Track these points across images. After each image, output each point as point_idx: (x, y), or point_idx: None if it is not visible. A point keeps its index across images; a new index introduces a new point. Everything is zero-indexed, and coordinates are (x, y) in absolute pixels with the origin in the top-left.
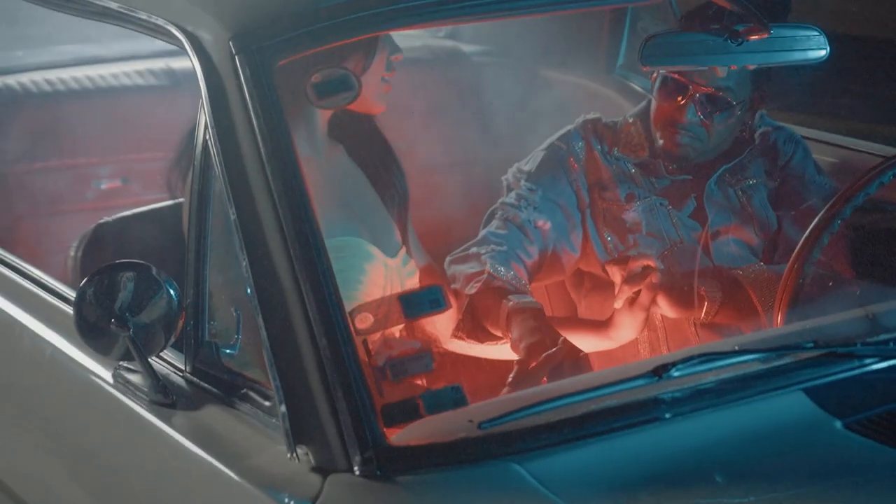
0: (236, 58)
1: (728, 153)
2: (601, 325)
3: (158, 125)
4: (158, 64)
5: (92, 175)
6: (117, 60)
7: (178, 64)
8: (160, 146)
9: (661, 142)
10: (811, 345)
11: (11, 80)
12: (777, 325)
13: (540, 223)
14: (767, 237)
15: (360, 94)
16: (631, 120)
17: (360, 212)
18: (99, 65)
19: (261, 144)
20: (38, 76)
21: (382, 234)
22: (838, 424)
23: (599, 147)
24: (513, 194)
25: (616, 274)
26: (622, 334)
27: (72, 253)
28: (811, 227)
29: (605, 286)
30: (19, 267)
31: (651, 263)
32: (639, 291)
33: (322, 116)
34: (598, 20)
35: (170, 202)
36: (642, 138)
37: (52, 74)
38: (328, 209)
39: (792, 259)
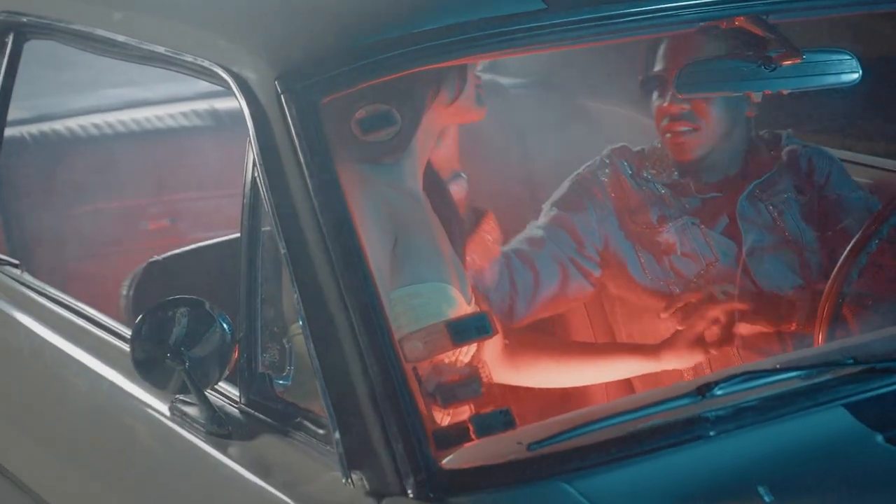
0: (282, 97)
1: (756, 169)
2: (651, 350)
3: (204, 165)
4: (202, 105)
5: (140, 216)
6: (162, 103)
7: (222, 105)
8: (206, 186)
9: (670, 152)
10: (851, 361)
11: (60, 125)
12: (818, 343)
13: (532, 261)
14: (802, 252)
15: (401, 129)
16: (658, 144)
17: (450, 259)
18: (145, 108)
19: (308, 180)
20: (85, 120)
21: (461, 279)
22: (879, 438)
23: (629, 172)
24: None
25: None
26: (676, 362)
27: (124, 291)
28: (849, 246)
29: (642, 311)
30: (73, 306)
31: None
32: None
33: (420, 165)
34: (636, 49)
35: (217, 240)
36: (669, 160)
37: (100, 119)
38: (425, 254)
39: (831, 279)
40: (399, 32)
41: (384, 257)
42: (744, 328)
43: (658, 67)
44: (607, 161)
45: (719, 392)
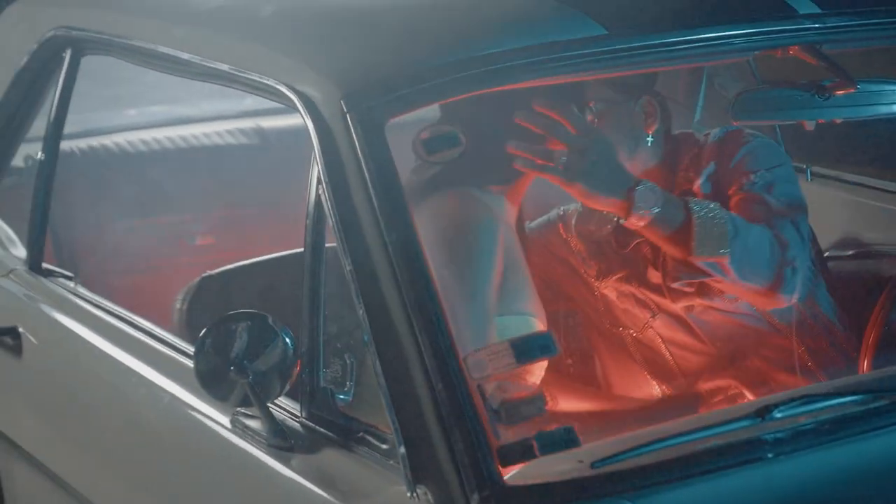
0: (348, 116)
1: None
2: None
3: (249, 183)
4: (248, 123)
5: (186, 231)
6: (207, 120)
7: (268, 123)
8: (251, 202)
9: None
10: None
11: (108, 140)
12: (865, 370)
13: None
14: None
15: (466, 149)
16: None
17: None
18: (190, 125)
19: (374, 197)
20: (133, 136)
21: (539, 312)
22: None
23: (572, 225)
24: None
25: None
26: None
27: (178, 305)
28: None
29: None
30: (127, 318)
31: None
32: None
33: (519, 200)
34: (674, 77)
35: (268, 256)
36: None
37: (147, 135)
38: (522, 286)
39: (877, 307)
40: (463, 55)
41: (491, 282)
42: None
43: None
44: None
45: (779, 415)
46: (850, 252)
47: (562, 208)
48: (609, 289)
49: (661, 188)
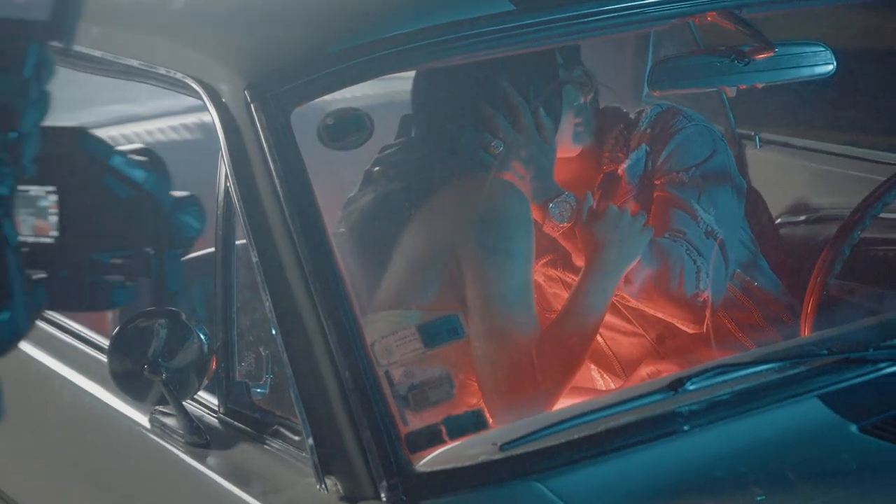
0: (251, 106)
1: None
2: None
3: (194, 179)
4: (193, 119)
5: None
6: (153, 118)
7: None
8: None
9: None
10: (825, 352)
11: None
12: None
13: None
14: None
15: (372, 134)
16: None
17: None
18: (136, 123)
19: (279, 189)
20: None
21: None
22: (854, 428)
23: None
24: None
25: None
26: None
27: None
28: (833, 238)
29: None
30: (54, 320)
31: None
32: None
33: None
34: (621, 49)
35: (199, 253)
36: None
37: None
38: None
39: (815, 270)
40: (367, 38)
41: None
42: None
43: None
44: None
45: (692, 387)
46: (802, 217)
47: None
48: (537, 273)
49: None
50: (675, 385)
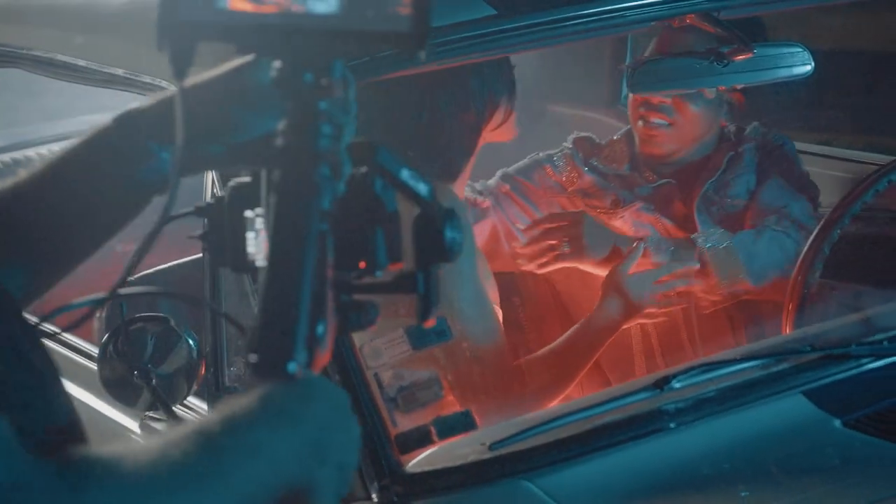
0: None
1: (711, 162)
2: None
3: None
4: None
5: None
6: None
7: None
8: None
9: (638, 140)
10: (808, 349)
11: (33, 153)
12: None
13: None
14: None
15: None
16: (616, 137)
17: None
18: None
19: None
20: (57, 147)
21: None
22: (837, 423)
23: (581, 158)
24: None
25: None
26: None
27: (98, 313)
28: (812, 237)
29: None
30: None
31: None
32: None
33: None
34: (600, 53)
35: (184, 259)
36: (624, 154)
37: None
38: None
39: (795, 269)
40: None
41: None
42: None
43: (647, 55)
44: (568, 146)
45: (677, 385)
46: None
47: (544, 153)
48: (624, 219)
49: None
50: (661, 383)
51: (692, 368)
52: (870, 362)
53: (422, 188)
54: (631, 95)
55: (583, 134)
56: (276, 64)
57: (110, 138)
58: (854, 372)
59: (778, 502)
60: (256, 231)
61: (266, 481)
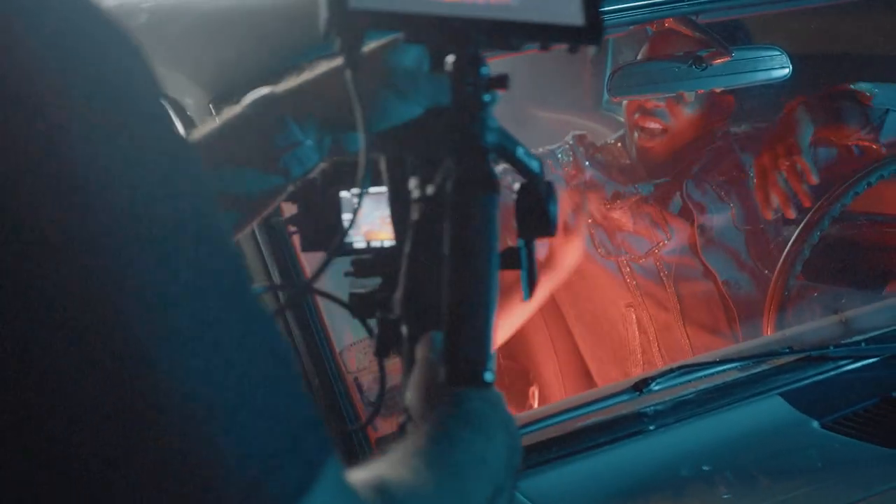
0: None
1: (701, 152)
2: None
3: None
4: None
5: None
6: None
7: None
8: None
9: (635, 141)
10: (787, 350)
11: None
12: (766, 333)
13: None
14: (753, 230)
15: None
16: (612, 140)
17: None
18: None
19: None
20: None
21: None
22: (816, 424)
23: (583, 153)
24: None
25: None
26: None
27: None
28: (792, 239)
29: (591, 289)
30: None
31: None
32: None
33: None
34: (582, 57)
35: None
36: (622, 153)
37: None
38: None
39: (776, 272)
40: (329, 51)
41: None
42: (693, 309)
43: (640, 59)
44: (569, 142)
45: (656, 387)
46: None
47: (545, 147)
48: (624, 210)
49: None
50: (640, 386)
51: (671, 371)
52: (848, 364)
53: (534, 164)
54: (625, 102)
55: (580, 132)
56: (450, 58)
57: (246, 114)
58: (832, 374)
59: (752, 500)
60: (354, 212)
61: (488, 492)
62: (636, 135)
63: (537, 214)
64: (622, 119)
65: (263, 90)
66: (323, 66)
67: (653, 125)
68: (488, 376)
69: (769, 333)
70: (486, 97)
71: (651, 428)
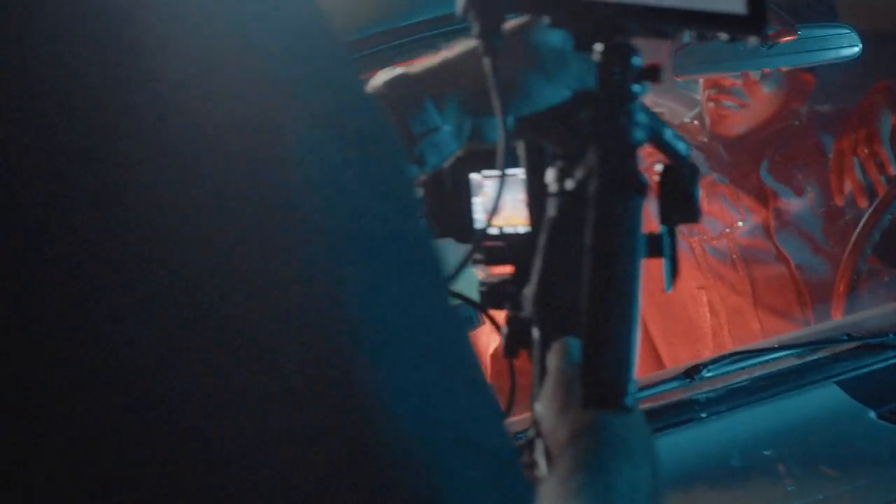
0: None
1: (781, 133)
2: None
3: None
4: None
5: None
6: None
7: None
8: None
9: (709, 122)
10: (845, 338)
11: None
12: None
13: None
14: (830, 213)
15: None
16: (688, 119)
17: None
18: None
19: None
20: None
21: None
22: (872, 415)
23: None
24: None
25: None
26: None
27: None
28: (862, 222)
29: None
30: None
31: None
32: None
33: None
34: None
35: None
36: (699, 131)
37: None
38: None
39: (846, 255)
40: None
41: None
42: (765, 293)
43: None
44: None
45: (708, 374)
46: None
47: None
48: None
49: None
50: (692, 372)
51: (723, 358)
52: None
53: (681, 147)
54: (701, 80)
55: (658, 110)
56: (598, 46)
57: (381, 93)
58: (891, 362)
59: (822, 494)
60: (485, 194)
61: None
62: (711, 105)
63: (682, 199)
64: (698, 97)
65: (397, 69)
66: (462, 45)
67: (729, 103)
68: (629, 400)
69: (838, 316)
70: (637, 88)
71: (703, 416)
